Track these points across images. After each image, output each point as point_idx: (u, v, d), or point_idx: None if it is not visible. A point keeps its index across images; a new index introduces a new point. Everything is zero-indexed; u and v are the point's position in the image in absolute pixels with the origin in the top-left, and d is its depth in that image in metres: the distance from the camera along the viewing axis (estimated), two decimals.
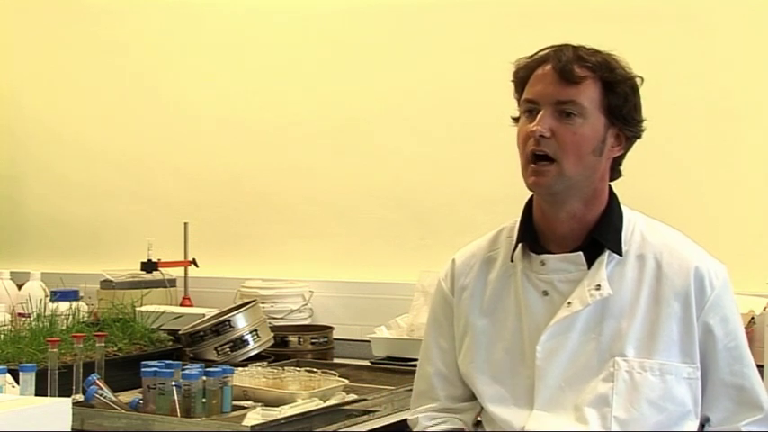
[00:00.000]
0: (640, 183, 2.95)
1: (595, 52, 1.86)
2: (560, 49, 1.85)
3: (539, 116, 1.82)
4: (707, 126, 3.07)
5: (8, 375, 2.24)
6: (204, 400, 2.26)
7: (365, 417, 2.41)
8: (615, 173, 1.92)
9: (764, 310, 2.76)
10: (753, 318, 2.74)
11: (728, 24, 3.06)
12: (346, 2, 3.65)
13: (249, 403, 2.42)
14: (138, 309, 3.09)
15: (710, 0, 3.08)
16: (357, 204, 3.61)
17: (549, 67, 1.84)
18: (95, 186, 4.18)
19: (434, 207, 3.47)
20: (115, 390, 2.36)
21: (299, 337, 3.23)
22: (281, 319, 3.42)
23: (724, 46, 3.06)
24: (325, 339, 3.26)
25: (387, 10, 3.56)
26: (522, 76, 1.88)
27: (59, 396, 2.28)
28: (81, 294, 3.24)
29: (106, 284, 3.56)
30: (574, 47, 1.86)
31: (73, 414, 1.84)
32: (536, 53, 1.89)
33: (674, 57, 3.10)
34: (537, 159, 1.82)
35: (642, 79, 1.89)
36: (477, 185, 3.35)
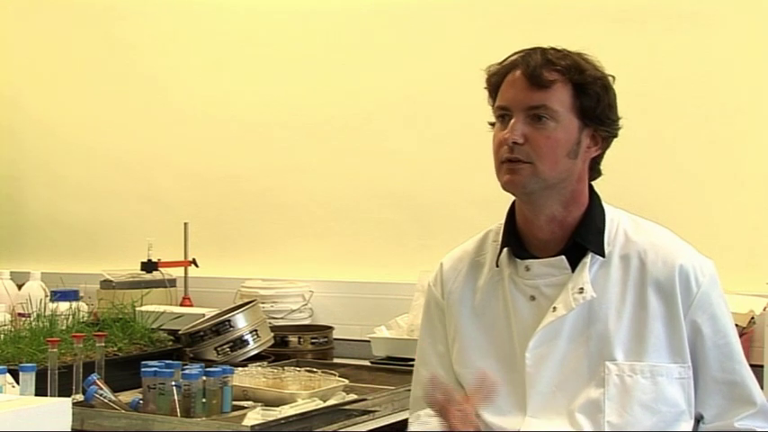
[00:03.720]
0: (640, 183, 2.97)
1: (565, 54, 1.84)
2: (529, 54, 1.84)
3: (511, 123, 1.81)
4: (707, 126, 3.07)
5: (8, 375, 2.24)
6: (204, 400, 2.26)
7: (365, 417, 2.41)
8: (594, 173, 1.91)
9: (764, 310, 2.76)
10: (753, 318, 2.74)
11: (728, 24, 3.05)
12: (346, 2, 3.65)
13: (249, 403, 2.42)
14: (138, 309, 3.09)
15: (710, 0, 3.08)
16: (357, 204, 3.61)
17: (518, 72, 1.83)
18: (95, 186, 4.18)
19: (434, 207, 3.47)
20: (115, 390, 2.36)
21: (299, 337, 3.23)
22: (281, 319, 3.43)
23: (724, 45, 3.05)
24: (325, 339, 3.26)
25: (387, 10, 3.56)
26: (494, 83, 1.88)
27: (59, 396, 2.28)
28: (81, 294, 3.24)
29: (106, 284, 3.56)
30: (542, 50, 1.84)
31: (73, 414, 1.84)
32: (506, 59, 1.88)
33: (674, 57, 3.10)
34: (511, 161, 1.82)
35: (614, 77, 1.87)
36: (477, 185, 3.33)
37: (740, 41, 3.04)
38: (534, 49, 1.85)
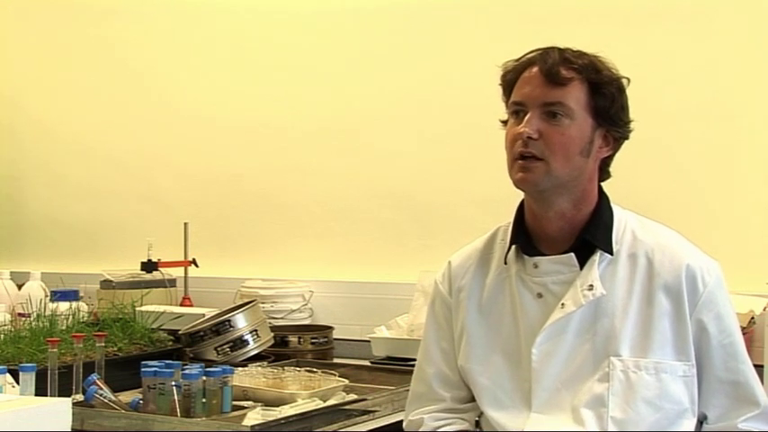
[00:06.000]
0: (640, 183, 2.97)
1: (582, 54, 1.86)
2: (547, 52, 1.86)
3: (526, 118, 1.83)
4: (707, 126, 3.07)
5: (8, 375, 2.24)
6: (204, 400, 2.25)
7: (365, 417, 2.41)
8: (604, 174, 1.92)
9: (764, 310, 2.76)
10: (753, 318, 2.74)
11: (727, 24, 3.06)
12: (347, 2, 3.65)
13: (249, 403, 2.42)
14: (138, 309, 3.08)
15: (710, 0, 3.08)
16: (357, 204, 3.61)
17: (535, 69, 1.85)
18: (95, 186, 4.18)
19: (434, 207, 3.47)
20: (115, 390, 2.35)
21: (299, 337, 3.23)
22: (281, 319, 3.42)
23: (724, 46, 3.05)
24: (325, 339, 3.26)
25: (387, 10, 3.56)
26: (510, 79, 1.89)
27: (59, 396, 2.27)
28: (81, 294, 3.24)
29: (106, 284, 3.56)
30: (560, 49, 1.86)
31: (73, 414, 1.84)
32: (523, 56, 1.89)
33: (674, 57, 3.10)
34: (524, 159, 1.83)
35: (629, 80, 1.89)
36: (477, 185, 3.34)
37: (740, 42, 3.04)
38: (552, 48, 1.87)
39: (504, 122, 1.91)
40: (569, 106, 1.82)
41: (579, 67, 1.83)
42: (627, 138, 1.90)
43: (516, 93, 1.87)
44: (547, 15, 3.25)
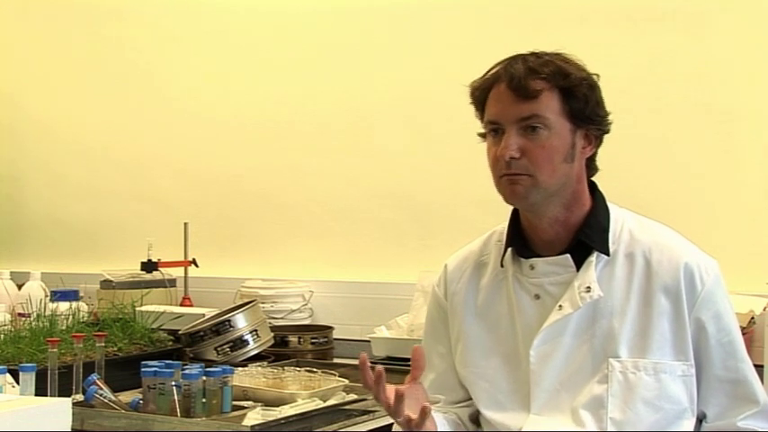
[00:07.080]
0: (640, 183, 2.98)
1: (547, 61, 1.82)
2: (510, 64, 1.82)
3: (504, 138, 1.81)
4: (707, 126, 3.07)
5: (8, 375, 2.24)
6: (204, 400, 2.26)
7: (365, 417, 2.41)
8: (591, 170, 1.90)
9: (764, 310, 2.76)
10: (753, 318, 2.74)
11: (729, 23, 3.05)
12: (347, 2, 3.65)
13: (249, 403, 2.42)
14: (138, 309, 3.09)
15: (710, 0, 3.08)
16: (357, 204, 3.61)
17: (503, 85, 1.82)
18: (95, 186, 4.18)
19: (434, 207, 3.47)
20: (115, 390, 2.36)
21: (299, 337, 3.23)
22: (281, 319, 3.43)
23: (724, 45, 3.05)
24: (325, 339, 3.26)
25: (387, 10, 3.56)
26: (479, 97, 1.87)
27: (59, 396, 2.28)
28: (81, 294, 3.24)
29: (106, 284, 3.56)
30: (523, 59, 1.83)
31: (73, 414, 1.84)
32: (487, 72, 1.87)
33: (674, 57, 3.10)
34: (510, 174, 1.81)
35: (598, 76, 1.86)
36: (477, 185, 3.30)
37: (740, 41, 3.04)
38: (514, 59, 1.83)
39: (483, 135, 1.89)
40: (545, 116, 1.79)
41: (547, 76, 1.79)
42: (608, 132, 1.87)
43: (489, 111, 1.84)
44: (547, 16, 3.25)
